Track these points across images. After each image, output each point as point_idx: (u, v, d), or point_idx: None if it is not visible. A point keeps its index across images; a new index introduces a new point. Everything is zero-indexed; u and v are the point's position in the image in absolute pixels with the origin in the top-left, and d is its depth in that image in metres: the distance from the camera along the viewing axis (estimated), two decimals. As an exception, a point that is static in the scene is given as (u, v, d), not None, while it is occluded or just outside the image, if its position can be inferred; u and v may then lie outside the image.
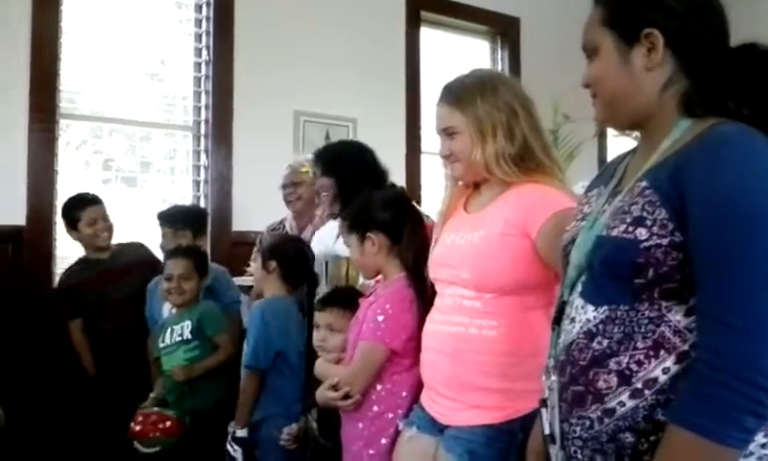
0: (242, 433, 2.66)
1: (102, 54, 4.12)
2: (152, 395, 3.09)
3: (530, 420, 1.53)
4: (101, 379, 3.39)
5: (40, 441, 3.43)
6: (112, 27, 4.11)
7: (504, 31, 5.41)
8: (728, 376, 1.01)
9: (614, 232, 1.16)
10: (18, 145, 3.66)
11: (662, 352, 1.11)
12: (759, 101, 1.14)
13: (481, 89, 1.82)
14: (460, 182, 1.94)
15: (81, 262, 3.56)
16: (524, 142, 1.79)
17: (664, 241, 1.11)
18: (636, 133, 1.34)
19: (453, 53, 5.27)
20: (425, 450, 1.83)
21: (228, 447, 2.67)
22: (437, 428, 1.82)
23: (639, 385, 1.13)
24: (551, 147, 1.87)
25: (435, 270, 1.89)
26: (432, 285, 1.92)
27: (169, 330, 3.08)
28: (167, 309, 3.31)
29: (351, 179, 2.60)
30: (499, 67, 5.31)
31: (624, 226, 1.15)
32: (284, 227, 3.58)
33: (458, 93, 1.84)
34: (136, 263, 3.60)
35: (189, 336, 3.02)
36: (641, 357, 1.13)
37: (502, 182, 1.81)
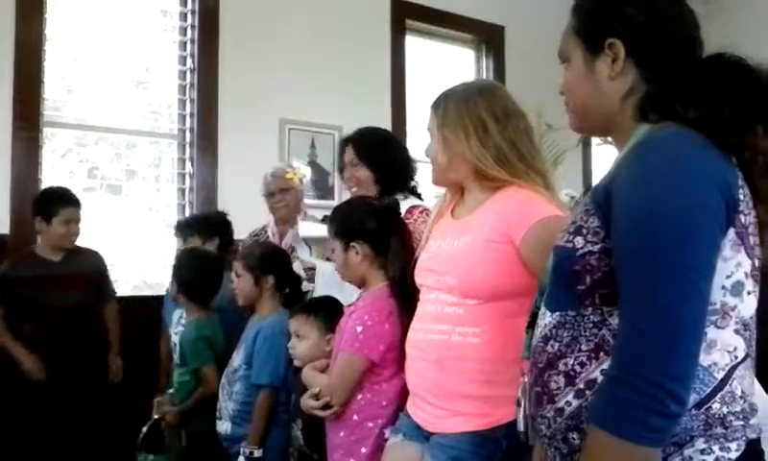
0: (259, 453, 2.56)
1: (86, 62, 4.10)
2: (169, 392, 3.08)
3: (514, 427, 1.52)
4: (53, 388, 3.26)
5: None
6: (97, 35, 4.10)
7: (489, 39, 5.45)
8: (635, 377, 1.04)
9: (560, 242, 1.22)
10: (2, 153, 3.65)
11: (602, 355, 1.15)
12: (706, 103, 1.14)
13: (456, 96, 1.85)
14: (441, 189, 1.98)
15: (30, 257, 3.44)
16: (497, 152, 1.79)
17: (596, 248, 1.15)
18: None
19: (438, 61, 5.30)
20: (411, 458, 1.84)
21: None
22: (423, 435, 1.82)
23: (582, 385, 1.17)
24: (534, 157, 1.86)
25: (421, 275, 1.90)
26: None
27: (178, 344, 3.02)
28: (176, 316, 3.28)
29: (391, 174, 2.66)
30: (484, 76, 5.34)
31: (567, 235, 1.20)
32: (266, 233, 3.52)
33: (439, 98, 1.89)
34: (87, 273, 3.52)
35: (178, 361, 2.97)
36: (584, 359, 1.17)
37: (485, 189, 1.82)
